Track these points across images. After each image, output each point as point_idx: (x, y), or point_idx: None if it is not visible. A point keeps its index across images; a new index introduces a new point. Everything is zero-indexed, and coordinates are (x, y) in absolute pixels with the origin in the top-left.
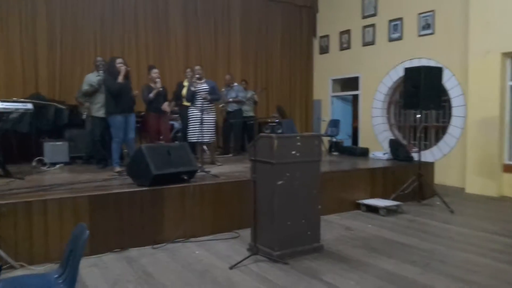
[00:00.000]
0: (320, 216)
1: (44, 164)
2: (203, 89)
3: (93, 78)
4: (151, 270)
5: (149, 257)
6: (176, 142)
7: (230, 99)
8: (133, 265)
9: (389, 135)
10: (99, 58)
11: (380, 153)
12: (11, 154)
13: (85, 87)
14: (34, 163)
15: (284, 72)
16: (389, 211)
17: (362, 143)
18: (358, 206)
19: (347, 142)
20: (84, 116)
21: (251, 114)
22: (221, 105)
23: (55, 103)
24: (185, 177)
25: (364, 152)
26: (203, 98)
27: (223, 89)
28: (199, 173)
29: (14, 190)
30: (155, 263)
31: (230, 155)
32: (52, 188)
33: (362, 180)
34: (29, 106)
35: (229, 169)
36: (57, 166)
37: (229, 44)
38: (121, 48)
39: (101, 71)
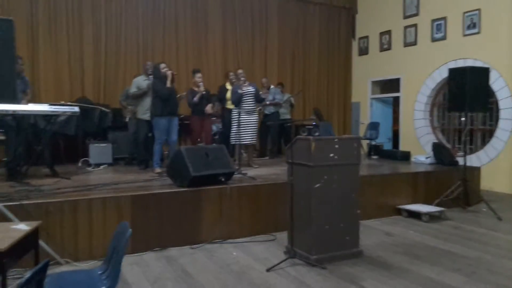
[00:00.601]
0: (359, 221)
1: (89, 165)
2: (249, 91)
3: (141, 81)
4: (190, 270)
5: (188, 257)
6: (214, 144)
7: (267, 102)
8: (173, 264)
9: (432, 139)
10: (149, 63)
11: (422, 157)
12: (59, 155)
13: (133, 89)
14: (80, 164)
15: (322, 74)
16: (432, 217)
17: (403, 147)
18: (399, 212)
19: (387, 146)
20: (127, 119)
21: (288, 116)
22: (258, 108)
23: (100, 107)
24: (222, 179)
25: (406, 156)
26: (271, 103)
27: (260, 92)
28: (236, 175)
29: (61, 189)
30: (194, 262)
31: (267, 157)
32: (97, 188)
33: (403, 185)
34: (76, 109)
35: (266, 171)
36: (101, 167)
37: (266, 47)
38: (162, 53)
39: (150, 76)
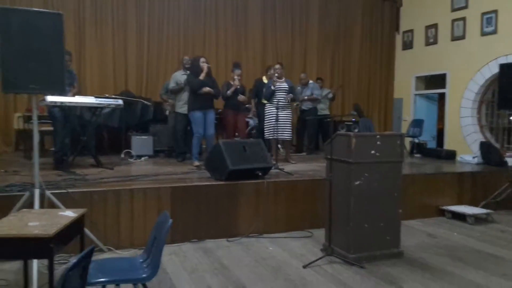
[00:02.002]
0: (400, 221)
1: (131, 156)
2: (282, 87)
3: (179, 76)
4: (226, 262)
5: (224, 250)
6: (251, 138)
7: (305, 97)
8: (210, 256)
9: (479, 137)
10: (186, 58)
11: (469, 157)
12: (103, 146)
13: (171, 84)
14: (122, 155)
15: (363, 69)
16: (477, 219)
17: (448, 145)
18: (442, 213)
19: (431, 144)
20: (167, 112)
21: (327, 112)
22: (295, 104)
23: (142, 100)
24: (259, 173)
25: (451, 155)
26: (286, 100)
27: (298, 87)
28: (273, 170)
29: (105, 179)
30: (230, 255)
31: (304, 153)
32: (138, 179)
33: (447, 185)
34: (120, 102)
35: (303, 167)
36: (142, 158)
37: (306, 41)
38: (202, 47)
39: (188, 70)
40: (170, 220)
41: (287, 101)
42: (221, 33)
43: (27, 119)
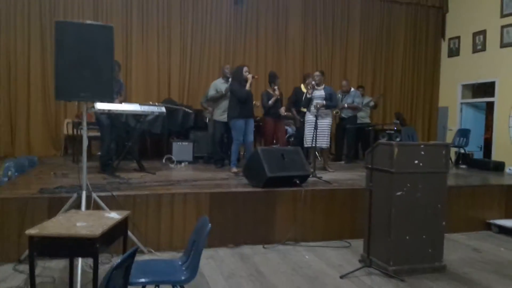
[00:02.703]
0: (444, 234)
1: (172, 162)
2: (319, 95)
3: (220, 84)
4: (263, 269)
5: (261, 256)
6: (289, 146)
7: (345, 105)
8: (246, 262)
9: None
10: (227, 66)
11: None
12: (146, 152)
13: (211, 92)
14: (164, 160)
15: (406, 77)
16: None
17: (496, 156)
18: (488, 227)
19: (478, 155)
20: (207, 120)
21: (367, 120)
22: (335, 111)
23: (183, 107)
24: (297, 181)
25: (499, 167)
26: (317, 107)
27: (339, 94)
28: (311, 178)
29: (147, 183)
30: (267, 262)
31: (342, 162)
32: (179, 183)
33: (495, 198)
34: (163, 109)
35: (342, 176)
36: (183, 164)
37: (347, 48)
38: (242, 56)
39: (229, 79)
40: (209, 225)
41: (316, 108)
42: (261, 41)
43: (77, 125)
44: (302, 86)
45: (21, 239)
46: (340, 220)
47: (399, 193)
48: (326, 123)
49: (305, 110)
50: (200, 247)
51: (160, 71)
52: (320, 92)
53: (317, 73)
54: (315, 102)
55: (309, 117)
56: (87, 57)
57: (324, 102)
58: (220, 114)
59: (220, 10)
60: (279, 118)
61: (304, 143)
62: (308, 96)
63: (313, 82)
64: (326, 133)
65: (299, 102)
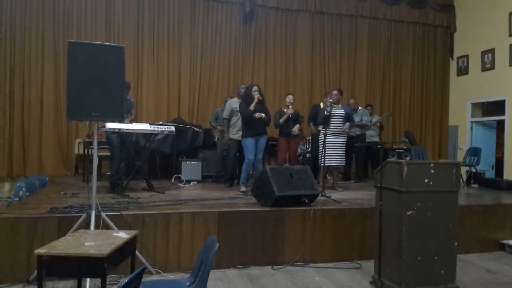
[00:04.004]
0: (456, 254)
1: (181, 181)
2: (338, 113)
3: (234, 104)
4: None
5: (270, 278)
6: (298, 165)
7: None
8: (254, 284)
9: None
10: (242, 86)
11: None
12: (155, 171)
13: (226, 112)
14: (173, 180)
15: (415, 96)
16: None
17: (508, 175)
18: (502, 247)
19: (490, 174)
20: (215, 139)
21: (376, 139)
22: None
23: (192, 127)
24: (306, 200)
25: (511, 186)
26: (344, 131)
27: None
28: (320, 198)
29: (156, 202)
30: (276, 284)
31: (352, 181)
32: (187, 203)
33: (508, 218)
34: (173, 128)
35: (351, 195)
36: (192, 183)
37: (355, 67)
38: (251, 75)
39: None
40: (217, 245)
41: (343, 131)
42: (270, 61)
43: (88, 144)
44: (322, 104)
45: (30, 260)
46: (350, 241)
47: (409, 213)
48: (343, 142)
49: (320, 127)
50: (208, 267)
51: (170, 90)
52: (339, 110)
53: (335, 92)
54: (335, 120)
55: (327, 136)
56: (98, 77)
57: (348, 123)
58: (235, 132)
59: (229, 29)
60: (292, 137)
61: (320, 162)
62: (326, 113)
63: (331, 100)
64: (342, 151)
65: (316, 119)
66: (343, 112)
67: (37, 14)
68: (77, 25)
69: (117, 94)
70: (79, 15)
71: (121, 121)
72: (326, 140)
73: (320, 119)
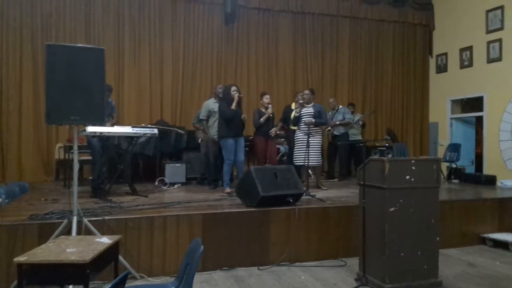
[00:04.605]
0: (438, 249)
1: (165, 184)
2: (307, 113)
3: (212, 104)
4: None
5: (256, 278)
6: (282, 165)
7: (337, 122)
8: (241, 285)
9: None
10: (220, 86)
11: (510, 182)
12: (138, 174)
13: (203, 113)
14: (156, 183)
15: (396, 94)
16: None
17: (487, 170)
18: (483, 241)
19: (470, 169)
20: (199, 140)
21: (358, 137)
22: (327, 129)
23: (176, 129)
24: (291, 200)
25: (491, 180)
26: (307, 124)
27: (329, 113)
28: (304, 197)
29: (139, 206)
30: (262, 284)
31: (335, 179)
32: (171, 206)
33: (488, 212)
34: (155, 131)
35: (335, 193)
36: (176, 185)
37: (336, 67)
38: (234, 76)
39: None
40: (202, 247)
41: (306, 124)
42: (252, 61)
43: (68, 149)
44: (293, 104)
45: (10, 269)
46: (335, 239)
47: (392, 209)
48: (316, 140)
49: (295, 128)
50: (193, 270)
51: (152, 93)
52: (308, 110)
53: (306, 91)
54: (304, 119)
55: (299, 135)
56: (78, 80)
57: (313, 120)
58: (214, 133)
59: (211, 30)
60: (270, 137)
61: (294, 161)
62: (295, 114)
63: (301, 101)
64: (318, 150)
65: (288, 120)
66: (312, 111)
67: (15, 16)
68: (56, 28)
69: (97, 97)
70: (57, 17)
71: (101, 124)
72: (300, 139)
73: (292, 120)
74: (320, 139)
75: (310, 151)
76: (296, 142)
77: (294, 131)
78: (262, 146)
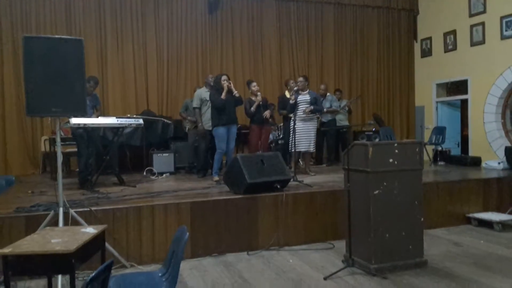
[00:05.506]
0: (423, 229)
1: (153, 174)
2: (304, 100)
3: (204, 93)
4: (247, 276)
5: (245, 263)
6: (270, 152)
7: (324, 110)
8: (230, 270)
9: (505, 142)
10: (211, 75)
11: (494, 162)
12: (126, 165)
13: (195, 102)
14: (144, 173)
15: (382, 79)
16: (505, 226)
17: (473, 152)
18: (468, 221)
19: (456, 151)
20: (186, 130)
21: (345, 123)
22: (316, 116)
23: (162, 119)
24: (278, 186)
25: (476, 162)
26: (305, 112)
27: (322, 100)
28: (292, 183)
29: (127, 196)
30: (251, 269)
31: (324, 165)
32: (159, 195)
33: (473, 192)
34: (140, 121)
35: (323, 179)
36: (164, 175)
37: (322, 53)
38: (220, 65)
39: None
40: (187, 234)
41: (305, 113)
42: (238, 49)
43: (53, 141)
44: (287, 92)
45: None
46: (323, 222)
47: (376, 192)
48: (312, 126)
49: (291, 115)
50: (179, 257)
51: (137, 83)
52: (305, 97)
53: (300, 78)
54: (302, 106)
55: (296, 122)
56: (57, 72)
57: (312, 106)
58: (206, 122)
59: (195, 19)
60: (264, 124)
61: (290, 148)
62: (291, 102)
63: (296, 88)
64: (313, 136)
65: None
66: (309, 98)
67: None
68: (36, 19)
69: (78, 88)
70: (37, 8)
71: (84, 115)
72: (295, 126)
73: (288, 108)
74: (315, 124)
75: (306, 137)
76: (291, 129)
77: (289, 118)
78: (256, 134)
